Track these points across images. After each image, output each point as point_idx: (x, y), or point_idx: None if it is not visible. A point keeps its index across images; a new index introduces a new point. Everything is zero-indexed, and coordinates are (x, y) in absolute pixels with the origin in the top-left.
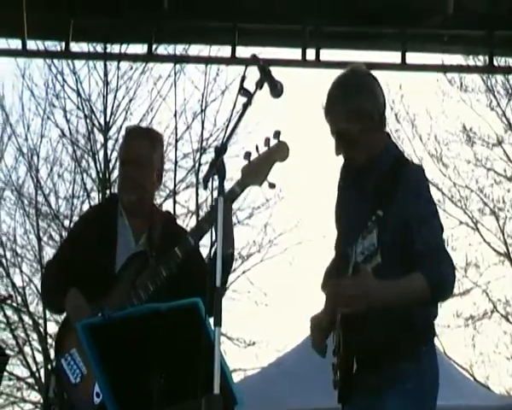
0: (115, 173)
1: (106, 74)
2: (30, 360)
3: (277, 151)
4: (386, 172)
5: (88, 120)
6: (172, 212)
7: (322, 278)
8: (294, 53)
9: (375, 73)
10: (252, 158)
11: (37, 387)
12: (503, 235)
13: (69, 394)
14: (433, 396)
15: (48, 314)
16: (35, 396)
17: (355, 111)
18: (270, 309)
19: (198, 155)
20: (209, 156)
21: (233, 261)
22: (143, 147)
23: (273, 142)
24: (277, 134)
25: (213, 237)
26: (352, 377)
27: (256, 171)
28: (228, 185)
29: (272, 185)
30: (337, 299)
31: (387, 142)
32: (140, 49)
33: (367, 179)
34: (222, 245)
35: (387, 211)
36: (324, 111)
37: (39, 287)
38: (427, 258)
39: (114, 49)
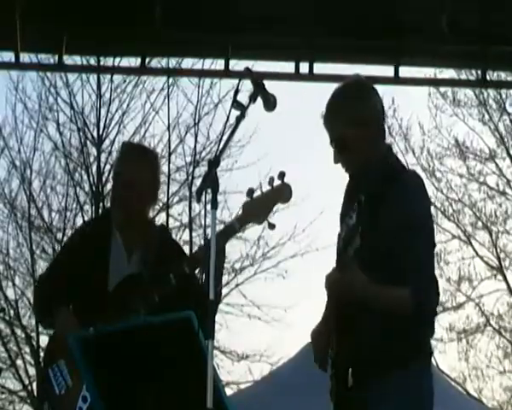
0: (108, 186)
1: (99, 87)
2: (22, 374)
3: (281, 192)
4: (380, 178)
5: (81, 133)
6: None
7: None
8: (288, 66)
9: None
10: (254, 195)
11: (29, 400)
12: (496, 249)
13: (53, 404)
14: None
15: (40, 328)
16: None
17: (352, 118)
18: (263, 323)
19: (191, 168)
20: (202, 169)
21: (220, 300)
22: (136, 168)
23: (277, 182)
24: (282, 175)
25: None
26: (346, 391)
27: (257, 209)
28: (228, 220)
29: (272, 226)
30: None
31: (386, 151)
32: (133, 62)
33: (360, 185)
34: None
35: (379, 213)
36: (323, 120)
37: (32, 300)
38: (413, 277)
39: (108, 62)
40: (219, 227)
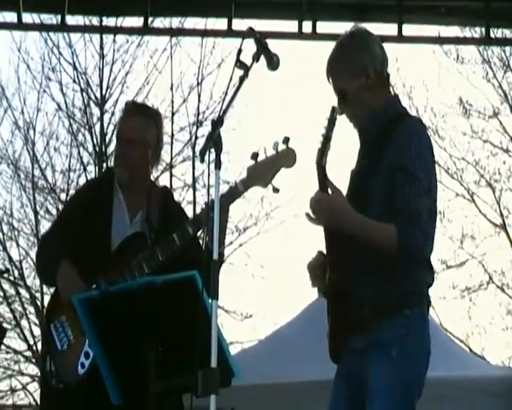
0: (111, 147)
1: (102, 47)
2: (27, 334)
3: (285, 157)
4: (385, 123)
5: (84, 94)
6: (169, 185)
7: None
8: (291, 25)
9: None
10: (259, 159)
11: (34, 360)
12: (499, 207)
13: (54, 360)
14: (418, 364)
15: (45, 288)
16: (32, 369)
17: (350, 68)
18: (266, 282)
19: (194, 128)
20: (206, 129)
21: (222, 261)
22: (137, 125)
23: (281, 147)
24: (286, 140)
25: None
26: (341, 331)
27: (262, 173)
28: (228, 178)
29: (276, 190)
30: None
31: (390, 99)
32: (136, 22)
33: (366, 131)
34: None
35: (381, 158)
36: (326, 72)
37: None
38: (403, 216)
39: (110, 22)
40: (223, 187)
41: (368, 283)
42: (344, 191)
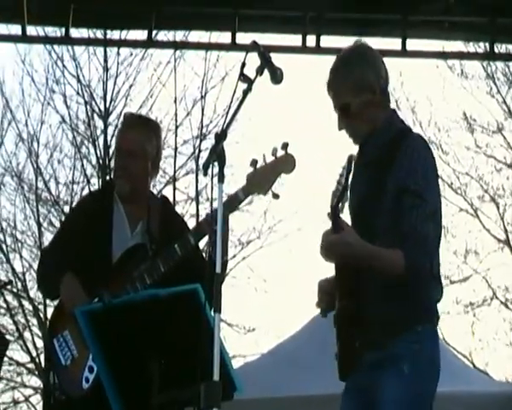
0: None
1: (106, 60)
2: (30, 346)
3: (284, 163)
4: (388, 142)
5: (88, 106)
6: (172, 198)
7: None
8: (295, 39)
9: None
10: (258, 166)
11: (37, 372)
12: (503, 222)
13: (58, 375)
14: (430, 379)
15: (48, 300)
16: (35, 382)
17: (356, 84)
18: (269, 296)
19: (198, 141)
20: (209, 142)
21: (226, 270)
22: (137, 137)
23: (280, 153)
24: (285, 146)
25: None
26: (353, 352)
27: (261, 179)
28: (232, 191)
29: (276, 196)
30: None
31: (391, 116)
32: (140, 35)
33: (368, 151)
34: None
35: (387, 177)
36: (326, 86)
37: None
38: (410, 242)
39: (114, 35)
40: (225, 198)
41: (377, 305)
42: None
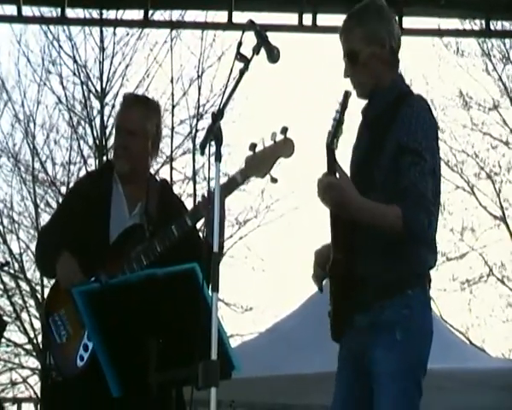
0: (112, 140)
1: (102, 40)
2: (27, 327)
3: (283, 147)
4: (391, 102)
5: (84, 87)
6: (169, 178)
7: None
8: (291, 18)
9: None
10: (257, 149)
11: (34, 353)
12: (499, 199)
13: (53, 353)
14: (422, 345)
15: (45, 281)
16: (33, 362)
17: (367, 34)
18: (267, 275)
19: (195, 120)
20: (206, 122)
21: (223, 250)
22: (137, 116)
23: (279, 137)
24: (284, 130)
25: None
26: (344, 311)
27: (260, 163)
28: (229, 170)
29: (274, 180)
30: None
31: (397, 78)
32: (136, 14)
33: (371, 111)
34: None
35: (385, 136)
36: (339, 32)
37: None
38: (409, 198)
39: (110, 15)
40: (223, 180)
41: (371, 262)
42: (347, 171)
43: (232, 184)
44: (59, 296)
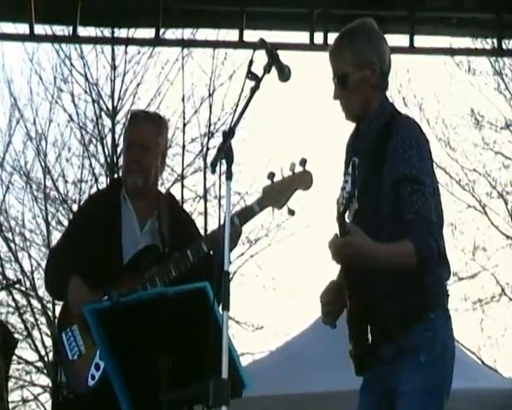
0: None
1: (113, 59)
2: (39, 344)
3: (301, 179)
4: (379, 131)
5: (96, 105)
6: (180, 196)
7: None
8: (302, 36)
9: None
10: (275, 179)
11: (45, 371)
12: (511, 218)
13: (65, 369)
14: (446, 362)
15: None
16: (44, 380)
17: (358, 57)
18: (277, 293)
19: (206, 139)
20: (217, 140)
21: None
22: (150, 131)
23: (298, 168)
24: (304, 162)
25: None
26: (367, 346)
27: (277, 194)
28: (248, 202)
29: (292, 212)
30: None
31: (384, 102)
32: (147, 33)
33: (361, 142)
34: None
35: (382, 166)
36: (329, 54)
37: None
38: (416, 228)
39: (122, 33)
40: (234, 199)
41: (388, 295)
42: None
43: (249, 214)
44: (72, 312)
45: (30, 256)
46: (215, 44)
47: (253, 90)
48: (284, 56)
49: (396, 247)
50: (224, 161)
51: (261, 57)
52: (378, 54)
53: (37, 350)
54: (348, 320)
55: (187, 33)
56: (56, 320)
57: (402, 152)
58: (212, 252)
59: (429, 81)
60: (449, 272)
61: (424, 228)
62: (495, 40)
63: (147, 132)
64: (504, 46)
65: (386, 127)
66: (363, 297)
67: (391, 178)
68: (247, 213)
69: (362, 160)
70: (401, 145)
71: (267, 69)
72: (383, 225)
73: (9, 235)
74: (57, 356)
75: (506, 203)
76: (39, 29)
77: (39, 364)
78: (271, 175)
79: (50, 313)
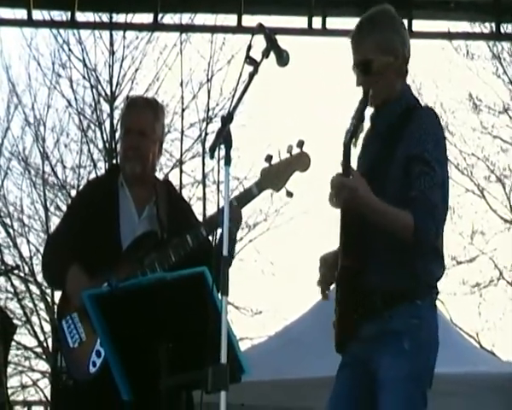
0: None
1: (112, 44)
2: (37, 330)
3: (299, 161)
4: (400, 114)
5: (94, 90)
6: (179, 181)
7: None
8: (301, 21)
9: None
10: (273, 162)
11: (44, 356)
12: (510, 202)
13: (65, 356)
14: (429, 353)
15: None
16: (43, 365)
17: (382, 43)
18: (276, 278)
19: (204, 124)
20: (215, 125)
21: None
22: (147, 117)
23: (296, 150)
24: (301, 144)
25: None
26: (351, 323)
27: (275, 176)
28: (246, 185)
29: (290, 194)
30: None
31: (406, 88)
32: (146, 18)
33: (381, 121)
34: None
35: (397, 144)
36: (351, 40)
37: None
38: (419, 206)
39: (120, 18)
40: (233, 184)
41: (380, 269)
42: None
43: (248, 196)
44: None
45: (28, 242)
46: (213, 29)
47: (252, 75)
48: (283, 41)
49: (397, 211)
50: (222, 146)
51: (259, 42)
52: (401, 40)
53: (35, 336)
54: (338, 284)
55: (185, 18)
56: (56, 308)
57: (418, 136)
58: (210, 237)
59: (428, 66)
60: (443, 270)
61: (427, 208)
62: (493, 24)
63: (144, 119)
64: (502, 30)
65: (407, 111)
66: (356, 263)
67: (402, 156)
68: (245, 196)
69: (376, 140)
70: (418, 130)
71: (265, 54)
72: (387, 201)
73: (8, 221)
74: (57, 344)
75: (504, 187)
76: (37, 14)
77: (38, 349)
78: (269, 157)
79: (49, 299)
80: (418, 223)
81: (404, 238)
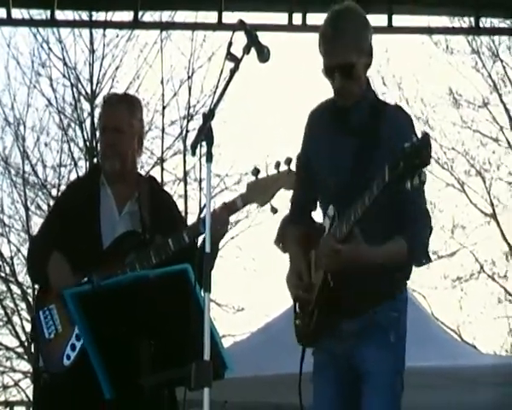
0: None
1: (92, 42)
2: (19, 330)
3: (285, 178)
4: (368, 111)
5: (74, 89)
6: (160, 179)
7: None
8: (281, 17)
9: None
10: (259, 176)
11: (26, 356)
12: (490, 196)
13: (41, 347)
14: (405, 343)
15: (36, 284)
16: (24, 366)
17: (362, 45)
18: (258, 275)
19: (185, 121)
20: (196, 123)
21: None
22: (122, 113)
23: (283, 167)
24: (288, 161)
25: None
26: (330, 320)
27: (261, 191)
28: (232, 196)
29: (274, 210)
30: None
31: (368, 83)
32: (126, 16)
33: (349, 118)
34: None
35: (373, 147)
36: (324, 40)
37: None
38: (412, 224)
39: (100, 16)
40: (215, 181)
41: (362, 277)
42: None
43: (232, 208)
44: (50, 292)
45: (9, 242)
46: (194, 27)
47: (233, 72)
48: (263, 37)
49: (389, 250)
50: (204, 143)
51: (240, 39)
52: (371, 36)
53: (17, 336)
54: (316, 294)
55: (165, 16)
56: (35, 298)
57: (395, 138)
58: (192, 242)
59: (408, 61)
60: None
61: (423, 222)
62: (472, 19)
63: (119, 115)
64: (481, 25)
65: (375, 111)
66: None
67: (384, 161)
68: (230, 208)
69: (347, 140)
70: (394, 131)
71: (246, 50)
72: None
73: None
74: (33, 334)
75: (484, 181)
76: (16, 13)
77: (20, 350)
78: (256, 171)
79: (30, 299)
80: (413, 246)
81: (400, 264)
